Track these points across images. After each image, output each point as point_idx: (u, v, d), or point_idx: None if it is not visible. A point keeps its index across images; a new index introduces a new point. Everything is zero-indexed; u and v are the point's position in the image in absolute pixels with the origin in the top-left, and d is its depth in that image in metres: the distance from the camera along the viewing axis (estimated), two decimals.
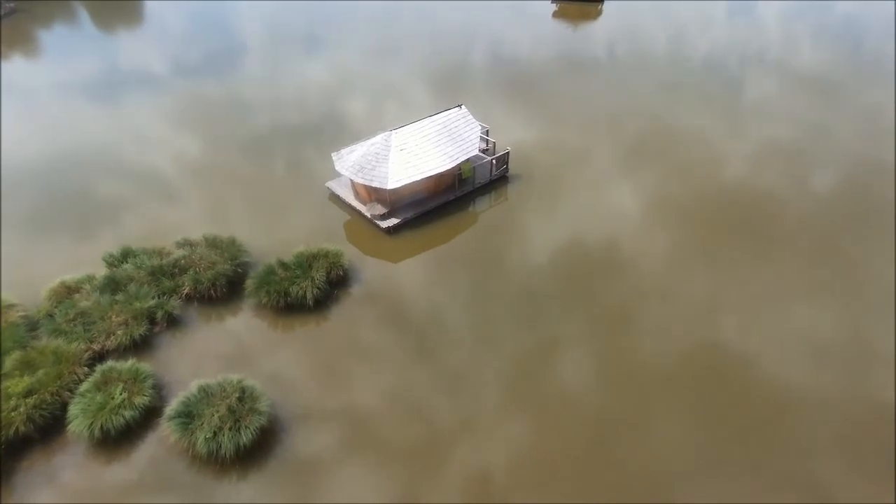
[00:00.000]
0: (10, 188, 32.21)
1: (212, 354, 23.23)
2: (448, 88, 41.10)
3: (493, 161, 32.69)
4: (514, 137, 34.79)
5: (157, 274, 25.39)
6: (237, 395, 20.37)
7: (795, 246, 28.34)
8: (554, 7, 58.30)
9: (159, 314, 24.09)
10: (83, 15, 58.38)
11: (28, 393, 20.40)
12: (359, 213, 30.50)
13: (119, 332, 22.97)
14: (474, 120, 32.73)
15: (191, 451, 19.53)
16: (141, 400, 20.66)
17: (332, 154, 31.10)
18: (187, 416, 19.92)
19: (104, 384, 20.87)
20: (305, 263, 25.77)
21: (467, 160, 31.47)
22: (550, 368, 22.84)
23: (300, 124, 38.03)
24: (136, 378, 21.21)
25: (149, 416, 20.72)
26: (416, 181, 29.36)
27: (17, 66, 47.25)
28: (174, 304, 24.62)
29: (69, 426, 20.04)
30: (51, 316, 23.62)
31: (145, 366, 21.86)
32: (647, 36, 52.08)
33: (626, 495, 18.75)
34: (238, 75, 45.05)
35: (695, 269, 27.18)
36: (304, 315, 24.98)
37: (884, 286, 25.99)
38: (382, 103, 40.43)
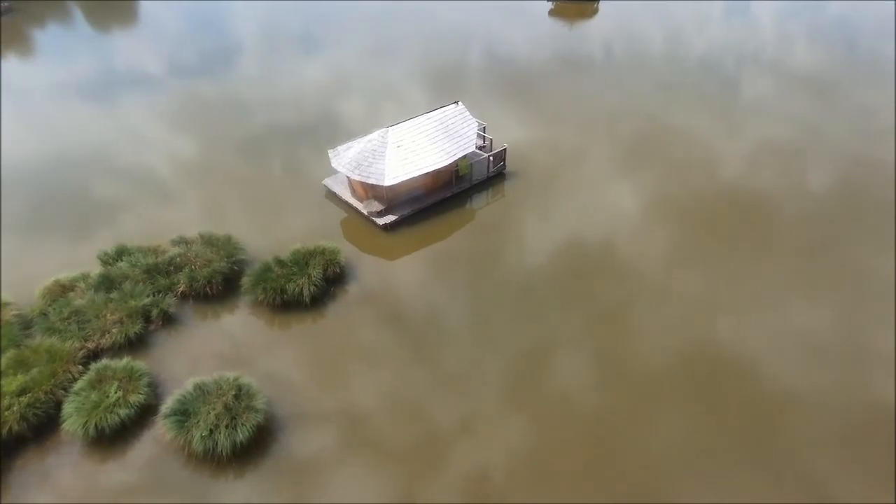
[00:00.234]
0: (5, 188, 31.90)
1: (208, 352, 23.04)
2: (445, 88, 40.90)
3: (491, 158, 32.56)
4: (511, 136, 34.60)
5: (152, 272, 25.18)
6: (233, 392, 20.20)
7: (793, 245, 28.20)
8: (550, 5, 58.19)
9: (154, 312, 23.89)
10: (77, 14, 58.06)
11: (22, 392, 20.18)
12: (356, 210, 30.33)
13: (114, 331, 22.76)
14: (471, 116, 32.59)
15: (187, 449, 19.32)
16: (136, 398, 20.46)
17: (329, 151, 30.93)
18: (183, 414, 19.73)
19: (99, 382, 20.66)
20: (302, 261, 25.59)
21: (464, 157, 31.33)
22: (549, 367, 22.69)
23: (296, 124, 37.80)
24: (131, 376, 21.01)
25: (144, 415, 20.52)
26: (413, 178, 29.21)
27: (12, 66, 46.93)
28: (169, 301, 24.42)
29: (63, 425, 19.82)
30: (45, 314, 23.40)
31: (140, 364, 21.65)
32: (642, 35, 51.96)
33: (624, 495, 18.58)
34: (234, 75, 44.79)
35: (692, 269, 27.02)
36: (301, 312, 24.80)
37: (882, 285, 25.85)
38: (379, 103, 40.21)
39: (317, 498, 18.73)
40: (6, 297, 24.02)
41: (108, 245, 26.76)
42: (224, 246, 26.39)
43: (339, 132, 35.46)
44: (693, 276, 26.54)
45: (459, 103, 32.75)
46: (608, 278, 26.64)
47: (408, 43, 50.66)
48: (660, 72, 45.19)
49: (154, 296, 24.39)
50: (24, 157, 34.54)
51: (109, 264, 25.86)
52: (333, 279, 26.06)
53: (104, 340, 22.57)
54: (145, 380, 21.14)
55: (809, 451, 19.71)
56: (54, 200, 31.27)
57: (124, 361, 21.51)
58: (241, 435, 19.31)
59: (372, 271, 27.27)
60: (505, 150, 32.92)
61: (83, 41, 53.05)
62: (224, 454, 19.12)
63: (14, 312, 23.49)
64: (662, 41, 51.00)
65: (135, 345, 22.88)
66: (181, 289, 24.91)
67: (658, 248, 28.22)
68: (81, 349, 22.07)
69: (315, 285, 24.97)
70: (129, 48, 50.57)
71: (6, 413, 19.59)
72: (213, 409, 19.63)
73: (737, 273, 26.66)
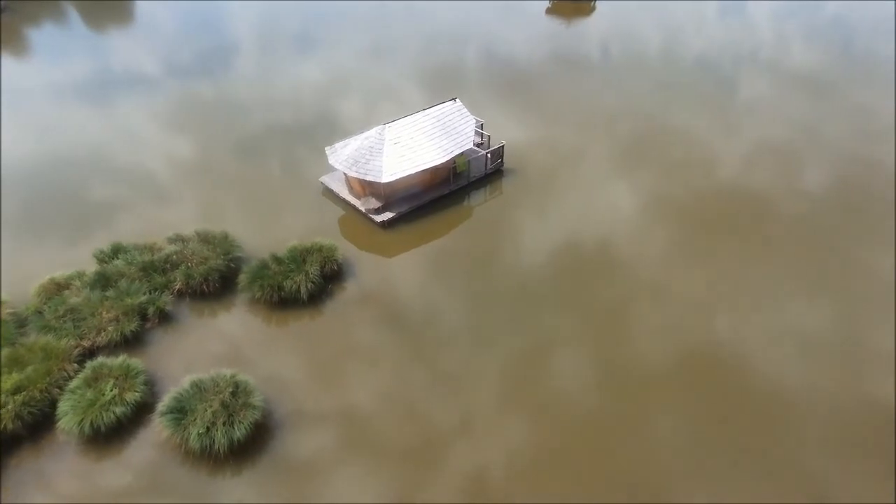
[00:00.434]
0: (2, 188, 31.67)
1: (204, 350, 22.88)
2: (442, 87, 40.73)
3: (488, 155, 32.44)
4: (508, 135, 34.44)
5: (148, 270, 25.01)
6: (230, 389, 20.04)
7: (791, 245, 28.04)
8: (547, 3, 58.13)
9: (151, 310, 23.71)
10: (73, 14, 57.85)
11: (17, 390, 19.98)
12: (353, 207, 30.18)
13: (110, 329, 22.58)
14: (469, 113, 32.46)
15: (183, 446, 19.18)
16: (132, 396, 20.28)
17: (326, 148, 30.79)
18: (180, 412, 19.57)
19: (94, 380, 20.48)
20: (299, 258, 25.44)
21: (462, 154, 31.19)
22: (547, 366, 22.53)
23: (294, 124, 37.60)
24: (127, 374, 20.83)
25: (140, 413, 20.35)
26: (411, 175, 29.06)
27: (7, 66, 46.70)
28: (166, 299, 24.24)
29: (59, 423, 19.63)
30: (40, 313, 23.21)
31: (137, 362, 21.47)
32: (639, 33, 51.93)
33: (623, 495, 18.43)
34: (231, 75, 44.60)
35: (691, 268, 26.87)
36: (298, 309, 24.65)
37: (881, 284, 25.71)
38: (376, 102, 40.00)
39: (314, 495, 18.58)
40: (2, 295, 23.79)
41: (104, 245, 26.52)
42: (221, 243, 26.22)
43: (336, 132, 35.29)
44: (692, 276, 26.39)
45: (457, 100, 32.63)
46: (605, 276, 26.49)
47: (405, 42, 50.54)
48: (657, 70, 45.11)
49: (150, 293, 24.21)
50: (20, 157, 34.31)
51: (105, 262, 25.67)
52: (331, 276, 25.90)
53: (100, 338, 22.39)
54: (141, 378, 20.96)
55: (809, 451, 19.57)
56: (50, 200, 31.03)
57: (120, 359, 21.33)
58: (239, 432, 19.16)
59: (370, 269, 27.12)
60: (502, 147, 32.80)
61: (79, 41, 52.84)
62: (221, 452, 18.96)
63: (9, 311, 23.30)
64: (659, 39, 50.94)
65: (131, 343, 22.70)
66: (178, 286, 24.74)
67: (655, 246, 28.06)
68: (77, 347, 21.88)
69: (312, 282, 24.82)
70: (125, 48, 50.36)
71: (1, 412, 19.38)
72: (210, 406, 19.47)
73: (735, 272, 26.52)
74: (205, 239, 26.47)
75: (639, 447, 19.72)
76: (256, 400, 20.04)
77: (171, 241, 26.78)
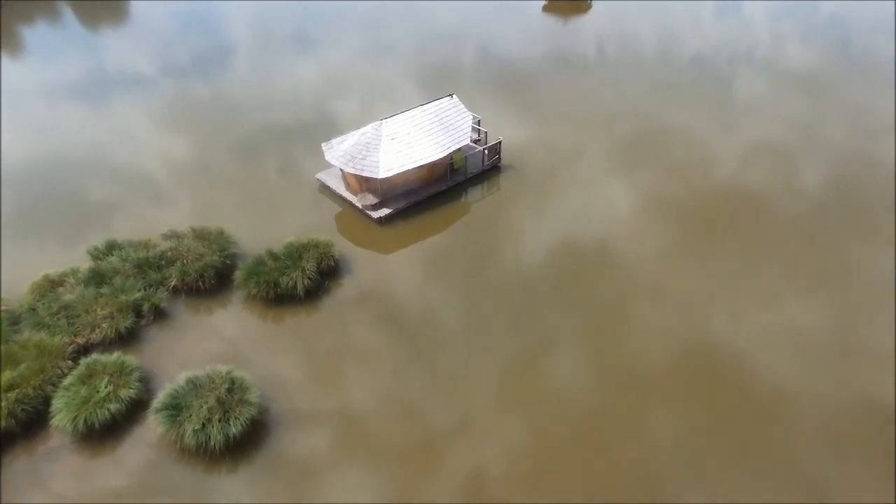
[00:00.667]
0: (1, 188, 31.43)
1: (200, 346, 22.65)
2: (440, 86, 40.35)
3: (485, 151, 32.27)
4: (506, 133, 34.15)
5: (143, 266, 24.78)
6: (226, 386, 19.83)
7: (790, 244, 27.81)
8: (544, 1, 57.98)
9: (146, 307, 23.49)
10: (67, 13, 57.55)
11: (9, 387, 19.74)
12: (350, 204, 29.98)
13: (104, 325, 22.34)
14: (466, 109, 32.30)
15: (179, 443, 18.96)
16: (127, 393, 20.06)
17: (322, 144, 30.57)
18: (175, 409, 19.35)
19: (89, 377, 20.25)
20: (296, 254, 25.22)
21: (459, 150, 31.02)
22: (545, 365, 22.32)
23: (291, 123, 37.25)
24: (121, 371, 20.60)
25: (135, 410, 20.15)
26: (408, 170, 28.87)
27: (2, 65, 46.38)
28: (161, 296, 24.03)
29: (52, 420, 19.41)
30: (33, 310, 22.99)
31: (131, 358, 21.25)
32: (636, 33, 51.71)
33: (622, 494, 18.22)
34: (227, 75, 44.30)
35: (689, 267, 26.65)
36: (295, 306, 24.45)
37: (880, 283, 25.49)
38: (373, 101, 39.64)
39: (310, 490, 18.38)
40: None
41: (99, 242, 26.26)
42: (216, 240, 26.01)
43: (334, 132, 34.68)
44: (690, 275, 26.16)
45: (454, 96, 32.47)
46: (602, 274, 26.29)
47: (402, 41, 50.31)
48: (654, 69, 44.89)
49: (145, 290, 23.99)
50: (15, 156, 33.96)
51: (99, 259, 25.43)
52: (328, 272, 25.70)
53: (94, 335, 22.15)
54: (136, 374, 20.74)
55: (808, 451, 19.36)
56: (45, 200, 30.74)
57: (115, 356, 21.10)
58: (234, 429, 18.95)
59: (367, 265, 26.93)
60: (500, 143, 32.65)
61: (73, 40, 52.53)
62: (217, 448, 18.76)
63: (3, 308, 23.04)
64: (656, 38, 50.78)
65: (126, 339, 22.47)
66: (173, 283, 24.53)
67: (653, 245, 27.79)
68: (71, 344, 21.67)
69: (309, 278, 24.61)
70: (120, 47, 50.08)
71: None
72: (206, 402, 19.25)
73: (734, 272, 26.29)
74: (200, 235, 26.27)
75: (638, 447, 19.51)
76: (252, 396, 19.84)
77: (167, 237, 26.55)
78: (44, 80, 43.23)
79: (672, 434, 19.87)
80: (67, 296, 23.29)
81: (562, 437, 19.90)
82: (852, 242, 27.82)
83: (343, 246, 27.27)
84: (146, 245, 26.02)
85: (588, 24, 54.78)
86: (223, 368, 20.47)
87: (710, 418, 20.37)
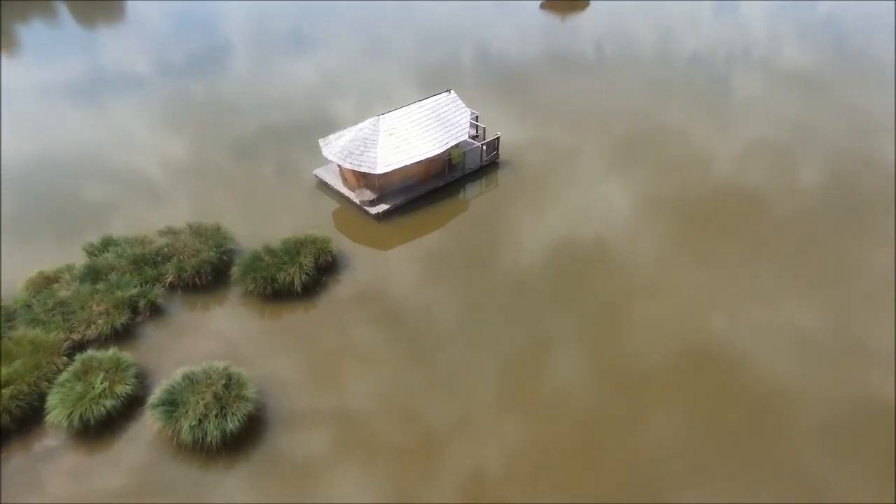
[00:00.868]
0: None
1: (197, 343, 22.47)
2: (438, 84, 40.11)
3: (484, 146, 32.15)
4: (504, 131, 33.96)
5: (139, 262, 24.59)
6: (223, 382, 19.62)
7: (788, 243, 27.55)
8: None
9: (142, 303, 23.31)
10: (63, 12, 57.39)
11: (4, 384, 19.56)
12: (347, 200, 29.84)
13: (100, 322, 22.15)
14: (463, 105, 32.17)
15: (175, 439, 18.75)
16: (123, 389, 19.85)
17: (320, 140, 30.43)
18: (171, 404, 19.14)
19: (84, 374, 20.04)
20: (293, 250, 25.04)
21: (457, 145, 30.89)
22: (543, 364, 22.13)
23: (288, 122, 36.99)
24: (117, 367, 20.40)
25: (131, 406, 19.92)
26: (406, 166, 28.73)
27: None
28: (157, 292, 23.84)
29: (48, 417, 19.22)
30: (28, 306, 22.77)
31: (127, 355, 21.04)
32: (633, 31, 51.66)
33: (621, 494, 18.03)
34: (224, 74, 44.14)
35: (687, 266, 26.41)
36: (292, 302, 24.27)
37: (879, 282, 25.29)
38: (371, 100, 39.39)
39: (307, 487, 18.20)
40: None
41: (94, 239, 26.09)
42: (213, 236, 25.83)
43: (331, 130, 34.60)
44: (689, 274, 25.92)
45: (451, 91, 32.35)
46: (600, 272, 26.01)
47: (399, 39, 50.22)
48: (651, 68, 44.75)
49: (141, 286, 23.79)
50: (11, 154, 33.74)
51: (95, 255, 25.26)
52: (325, 268, 25.54)
53: (90, 332, 21.96)
54: (132, 371, 20.53)
55: (808, 450, 19.14)
56: (41, 198, 30.47)
57: (110, 352, 20.91)
58: (231, 424, 18.75)
59: (364, 261, 26.76)
60: (498, 138, 32.51)
61: (70, 39, 52.38)
62: (214, 444, 18.56)
63: None
64: (653, 37, 50.70)
65: (121, 336, 22.27)
66: (169, 279, 24.35)
67: (651, 244, 27.46)
68: (66, 340, 21.46)
69: (307, 274, 24.44)
70: (116, 46, 49.92)
71: None
72: (203, 398, 19.07)
73: (732, 271, 26.03)
74: (197, 231, 26.08)
75: (637, 446, 19.29)
76: (250, 392, 19.65)
77: (163, 233, 26.39)
78: (40, 79, 43.06)
79: (672, 434, 19.65)
80: (63, 292, 23.10)
81: (561, 436, 19.69)
82: (852, 242, 27.57)
83: (341, 242, 27.14)
84: (142, 241, 25.84)
85: (586, 21, 54.73)
86: (220, 364, 20.27)
87: (710, 418, 20.16)
